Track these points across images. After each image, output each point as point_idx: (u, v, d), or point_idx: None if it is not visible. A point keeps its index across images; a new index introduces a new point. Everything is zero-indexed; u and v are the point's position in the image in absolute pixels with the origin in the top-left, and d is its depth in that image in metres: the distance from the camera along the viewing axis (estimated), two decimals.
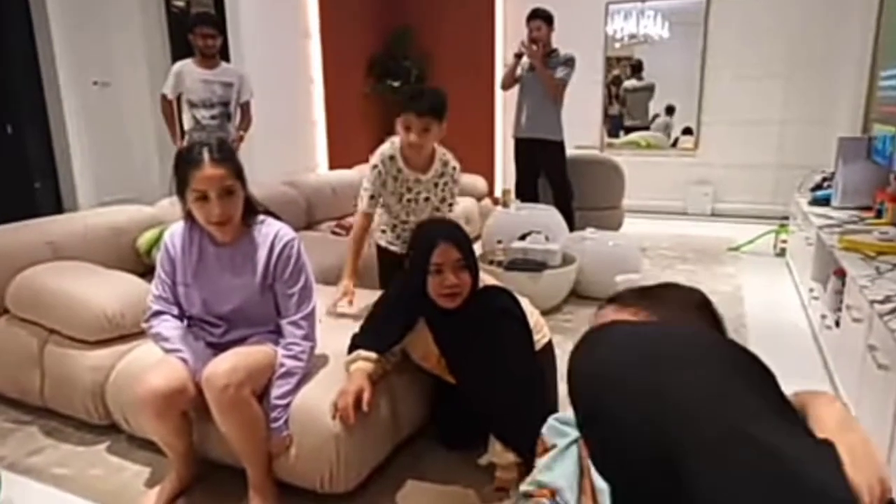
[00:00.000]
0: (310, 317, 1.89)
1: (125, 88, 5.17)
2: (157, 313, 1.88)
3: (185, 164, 1.76)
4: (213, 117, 3.71)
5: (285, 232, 1.91)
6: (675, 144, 6.18)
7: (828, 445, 0.66)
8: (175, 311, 1.90)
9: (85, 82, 4.88)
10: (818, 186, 4.00)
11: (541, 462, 1.05)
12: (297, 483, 1.84)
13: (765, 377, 0.72)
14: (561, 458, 1.02)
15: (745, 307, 3.52)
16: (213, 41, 3.65)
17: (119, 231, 2.81)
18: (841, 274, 2.74)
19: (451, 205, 2.61)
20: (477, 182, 5.44)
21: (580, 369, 0.75)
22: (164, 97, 3.78)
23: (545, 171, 4.43)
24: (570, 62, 4.19)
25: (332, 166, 5.78)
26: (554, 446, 1.06)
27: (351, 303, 2.38)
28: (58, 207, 4.78)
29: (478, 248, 2.83)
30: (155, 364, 1.77)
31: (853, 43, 4.90)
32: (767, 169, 5.84)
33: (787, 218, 4.68)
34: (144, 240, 2.84)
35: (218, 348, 1.86)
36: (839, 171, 3.59)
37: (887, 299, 2.02)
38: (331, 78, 5.78)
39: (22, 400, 2.40)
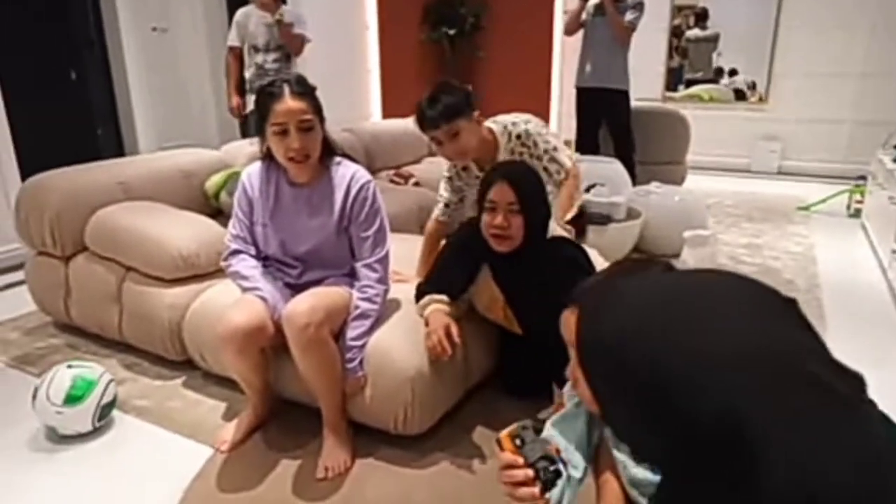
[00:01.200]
0: (384, 260, 1.88)
1: (182, 34, 5.19)
2: (235, 252, 1.90)
3: (265, 98, 1.75)
4: (275, 60, 3.68)
5: (362, 174, 1.88)
6: (739, 98, 5.88)
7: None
8: (252, 250, 1.91)
9: (144, 28, 4.91)
10: None
11: (552, 418, 1.00)
12: (370, 423, 1.87)
13: (801, 314, 0.68)
14: (571, 418, 0.97)
15: (818, 267, 3.38)
16: None
17: (188, 173, 2.84)
18: None
19: (551, 172, 2.27)
20: None
21: (620, 334, 0.69)
22: (231, 49, 3.75)
23: (608, 122, 4.27)
24: (639, 6, 3.97)
25: (385, 116, 5.72)
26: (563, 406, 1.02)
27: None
28: (119, 152, 4.89)
29: None
30: (235, 302, 1.79)
31: None
32: (842, 125, 5.52)
33: (863, 177, 4.43)
34: (212, 183, 2.86)
35: (295, 289, 1.87)
36: None
37: None
38: (386, 25, 5.68)
39: (102, 334, 2.49)
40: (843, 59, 5.40)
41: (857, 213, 4.31)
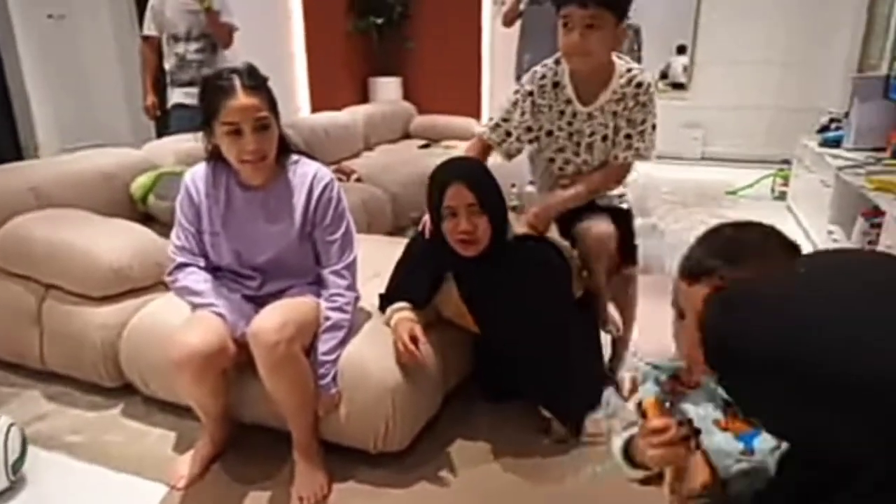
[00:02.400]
0: (352, 266, 1.73)
1: (83, 22, 4.72)
2: (182, 265, 1.69)
3: (212, 93, 1.55)
4: (198, 51, 3.37)
5: (324, 173, 1.72)
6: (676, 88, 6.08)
7: None
8: (201, 262, 1.71)
9: (38, 16, 4.42)
10: (825, 128, 3.95)
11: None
12: (346, 443, 1.71)
13: None
14: (700, 395, 0.93)
15: None
16: None
17: (109, 176, 2.55)
18: (871, 214, 2.70)
19: (635, 149, 1.88)
20: (470, 124, 5.23)
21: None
22: (146, 39, 3.40)
23: None
24: None
25: (314, 109, 5.46)
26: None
27: None
28: (17, 155, 4.40)
29: None
30: (188, 321, 1.59)
31: None
32: (761, 111, 5.78)
33: (785, 161, 4.64)
34: (138, 185, 2.58)
35: (255, 302, 1.69)
36: (853, 111, 3.53)
37: None
38: (311, 14, 5.40)
39: (19, 363, 2.18)
40: (761, 48, 5.64)
41: (781, 196, 4.51)
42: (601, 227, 1.86)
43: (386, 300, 1.81)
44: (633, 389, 1.04)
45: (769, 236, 0.85)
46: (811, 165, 3.73)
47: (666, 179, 5.22)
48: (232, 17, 3.41)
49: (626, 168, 1.93)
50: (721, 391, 0.89)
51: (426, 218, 1.80)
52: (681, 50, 6.09)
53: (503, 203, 1.73)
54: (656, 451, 0.82)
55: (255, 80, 1.57)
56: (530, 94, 1.88)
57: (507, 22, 4.15)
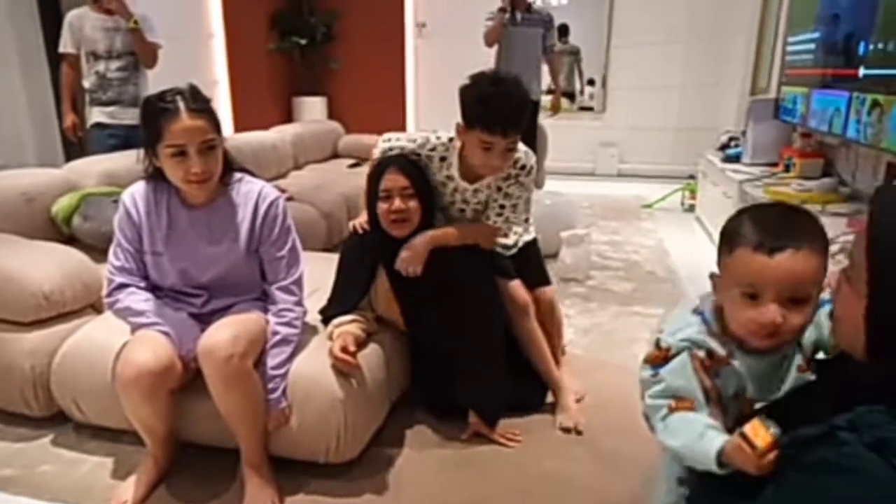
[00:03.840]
0: (300, 281, 1.76)
1: None
2: (122, 286, 1.66)
3: (155, 115, 1.55)
4: (119, 69, 3.29)
5: (269, 190, 1.74)
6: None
7: None
8: (142, 283, 1.68)
9: None
10: (726, 145, 4.31)
11: (667, 368, 1.02)
12: (297, 456, 1.73)
13: None
14: (686, 368, 1.01)
15: (671, 258, 3.75)
16: None
17: (29, 196, 2.44)
18: None
19: (506, 217, 1.94)
20: None
21: None
22: (65, 56, 3.27)
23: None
24: (552, 22, 4.19)
25: (236, 129, 5.39)
26: (669, 349, 1.02)
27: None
28: None
29: None
30: (134, 341, 1.57)
31: (744, 13, 5.27)
32: (668, 131, 6.21)
33: (691, 177, 5.01)
34: (61, 206, 2.48)
35: (200, 320, 1.68)
36: (750, 130, 3.88)
37: (830, 241, 2.21)
38: (233, 34, 5.36)
39: None
40: (662, 74, 6.08)
41: (690, 208, 4.85)
42: (519, 292, 2.01)
43: (328, 309, 1.87)
44: (660, 358, 1.04)
45: (804, 212, 0.98)
46: (715, 179, 4.06)
47: (587, 195, 5.50)
48: (156, 35, 3.35)
49: (495, 231, 1.98)
50: (743, 375, 0.98)
51: (358, 220, 1.95)
52: (590, 82, 6.48)
53: (433, 192, 1.89)
54: (765, 471, 0.81)
55: (200, 102, 1.58)
56: (418, 154, 1.92)
57: (490, 42, 4.22)
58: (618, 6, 6.07)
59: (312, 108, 6.24)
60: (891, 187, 0.76)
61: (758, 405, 0.99)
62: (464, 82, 1.81)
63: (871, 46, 2.53)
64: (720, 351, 0.99)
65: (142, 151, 1.64)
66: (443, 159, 1.92)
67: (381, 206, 1.81)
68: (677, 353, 1.02)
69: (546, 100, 4.44)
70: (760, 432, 0.83)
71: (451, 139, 1.92)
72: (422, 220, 1.84)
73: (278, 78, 6.11)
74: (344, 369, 1.68)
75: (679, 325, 1.05)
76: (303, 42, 5.96)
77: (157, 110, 1.54)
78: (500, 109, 1.71)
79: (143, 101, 1.62)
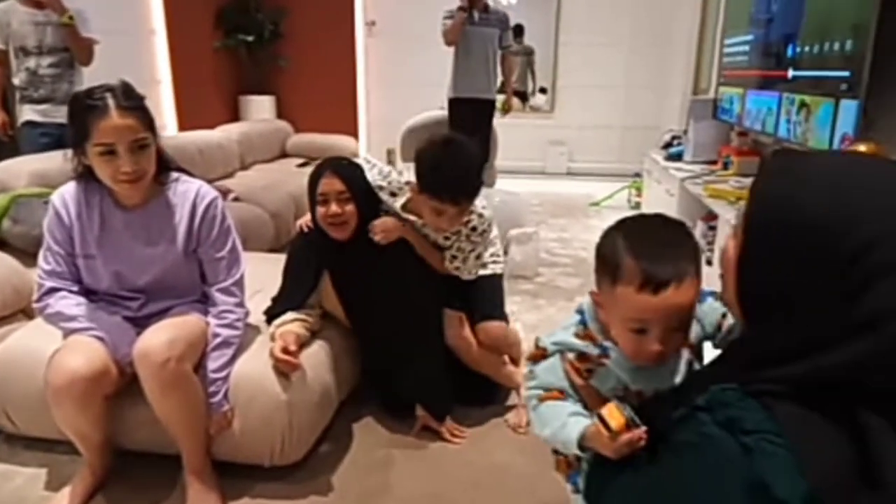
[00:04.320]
0: (241, 282, 1.73)
1: None
2: (52, 290, 1.60)
3: (83, 112, 1.50)
4: (51, 65, 3.15)
5: (206, 190, 1.71)
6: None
7: None
8: (74, 286, 1.63)
9: None
10: (669, 144, 4.43)
11: (541, 366, 1.08)
12: (240, 460, 1.70)
13: None
14: (557, 369, 1.06)
15: None
16: None
17: None
18: (708, 219, 3.09)
19: (455, 266, 1.95)
20: (348, 143, 5.27)
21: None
22: None
23: (479, 130, 4.15)
24: (507, 20, 4.22)
25: (181, 128, 5.25)
26: (545, 350, 1.08)
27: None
28: None
29: None
30: (66, 345, 1.51)
31: (685, 16, 5.44)
32: (613, 130, 6.35)
33: (637, 175, 5.14)
34: None
35: (136, 323, 1.64)
36: (690, 129, 4.00)
37: None
38: (175, 31, 5.21)
39: None
40: (608, 74, 6.22)
41: (637, 206, 4.98)
42: (494, 329, 2.01)
43: (273, 308, 1.87)
44: (538, 356, 1.09)
45: (676, 225, 0.98)
46: (659, 177, 4.17)
47: (536, 193, 5.58)
48: (90, 30, 3.23)
49: (447, 269, 1.97)
50: (620, 372, 1.01)
51: (304, 219, 1.95)
52: (542, 90, 6.58)
53: (372, 195, 1.88)
54: (622, 453, 0.87)
55: (131, 100, 1.54)
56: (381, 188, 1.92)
57: (449, 41, 4.17)
58: (564, 7, 6.17)
59: (260, 107, 6.13)
60: (786, 151, 0.77)
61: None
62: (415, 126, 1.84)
63: (799, 49, 2.65)
64: (592, 352, 1.02)
65: (70, 150, 1.58)
66: (393, 194, 1.91)
67: (319, 210, 1.82)
68: (551, 354, 1.07)
69: (499, 99, 4.47)
70: (615, 414, 0.88)
71: (408, 182, 1.90)
72: (359, 222, 1.83)
73: (224, 76, 5.98)
74: (285, 370, 1.66)
75: (563, 324, 1.09)
76: (249, 39, 5.84)
77: (84, 107, 1.49)
78: (452, 179, 1.71)
79: (71, 97, 1.57)
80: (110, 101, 1.49)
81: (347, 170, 1.86)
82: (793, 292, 0.66)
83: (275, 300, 1.91)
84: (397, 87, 6.31)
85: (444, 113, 4.47)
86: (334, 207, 1.79)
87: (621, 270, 0.91)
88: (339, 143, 5.17)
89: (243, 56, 5.95)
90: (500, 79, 4.41)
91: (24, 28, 3.10)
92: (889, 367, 0.61)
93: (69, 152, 1.59)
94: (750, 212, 0.71)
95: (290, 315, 1.82)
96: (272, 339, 1.75)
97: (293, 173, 4.47)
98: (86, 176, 1.61)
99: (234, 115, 6.13)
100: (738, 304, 0.74)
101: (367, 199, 1.86)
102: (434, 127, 4.46)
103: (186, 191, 1.68)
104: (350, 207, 1.81)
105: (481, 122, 4.28)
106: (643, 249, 0.91)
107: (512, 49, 4.46)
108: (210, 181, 3.76)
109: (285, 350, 1.65)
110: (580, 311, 1.07)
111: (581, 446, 0.95)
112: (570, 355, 1.05)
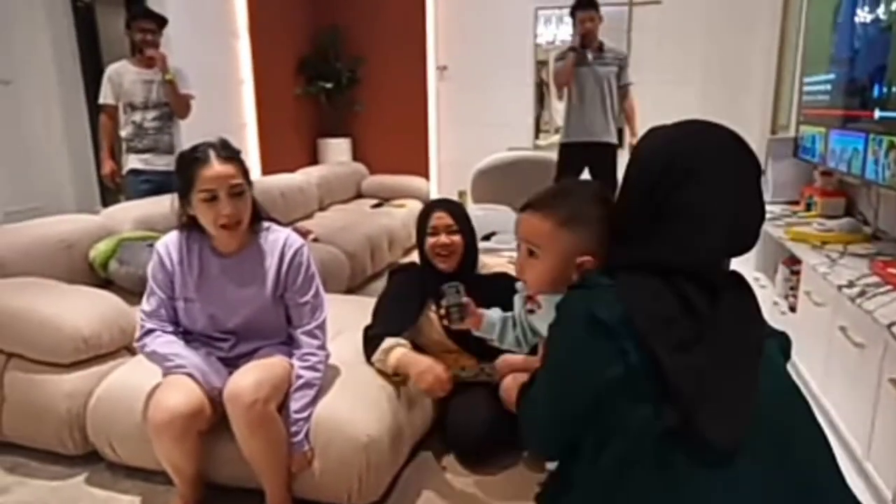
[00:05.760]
0: (323, 325, 1.82)
1: (30, 88, 4.71)
2: (150, 331, 1.74)
3: (188, 165, 1.66)
4: (155, 118, 3.45)
5: (294, 239, 1.83)
6: None
7: None
8: (170, 328, 1.76)
9: None
10: None
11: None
12: (320, 499, 1.77)
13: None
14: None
15: None
16: (152, 37, 3.40)
17: (68, 243, 2.57)
18: (790, 263, 2.98)
19: None
20: (420, 184, 5.43)
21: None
22: (104, 107, 3.44)
23: (596, 176, 4.09)
24: (626, 59, 4.17)
25: (264, 171, 5.56)
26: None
27: None
28: None
29: None
30: (165, 384, 1.64)
31: (758, 56, 5.34)
32: None
33: None
34: (98, 252, 2.60)
35: (227, 363, 1.75)
36: (769, 168, 3.89)
37: (851, 283, 2.21)
38: (261, 79, 5.57)
39: None
40: (680, 112, 6.05)
41: None
42: None
43: (373, 327, 2.00)
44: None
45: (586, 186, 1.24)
46: None
47: None
48: (188, 86, 3.52)
49: None
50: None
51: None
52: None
53: (474, 233, 2.14)
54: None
55: (229, 151, 1.70)
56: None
57: (560, 83, 4.14)
58: (634, 46, 6.17)
59: (337, 149, 6.41)
60: (657, 128, 1.08)
61: None
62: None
63: (886, 89, 2.56)
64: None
65: (175, 197, 1.74)
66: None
67: (429, 241, 2.04)
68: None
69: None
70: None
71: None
72: (465, 254, 2.05)
73: (304, 120, 6.31)
74: (440, 392, 1.81)
75: None
76: (329, 86, 6.16)
77: (189, 161, 1.65)
78: None
79: (178, 155, 1.73)
80: (211, 153, 1.65)
81: (456, 208, 2.12)
82: (632, 208, 0.98)
83: (374, 320, 2.04)
84: (467, 130, 6.45)
85: (514, 154, 4.53)
86: (443, 239, 2.02)
87: None
88: (411, 184, 5.33)
89: (322, 101, 6.27)
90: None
91: (134, 86, 3.42)
92: (677, 251, 0.91)
93: (175, 199, 1.74)
94: (629, 161, 1.04)
95: (398, 339, 1.92)
96: (382, 361, 1.88)
97: (368, 214, 4.64)
98: (188, 226, 1.76)
99: (313, 157, 6.44)
100: (615, 223, 1.04)
101: (471, 233, 2.10)
102: (505, 169, 4.55)
103: (276, 239, 1.80)
104: (458, 239, 2.04)
105: (601, 167, 4.11)
106: (548, 189, 1.23)
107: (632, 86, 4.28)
108: (290, 222, 3.99)
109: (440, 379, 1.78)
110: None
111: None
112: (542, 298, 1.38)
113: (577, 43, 3.98)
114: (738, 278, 0.97)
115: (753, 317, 0.95)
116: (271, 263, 1.77)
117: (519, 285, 1.45)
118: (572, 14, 4.04)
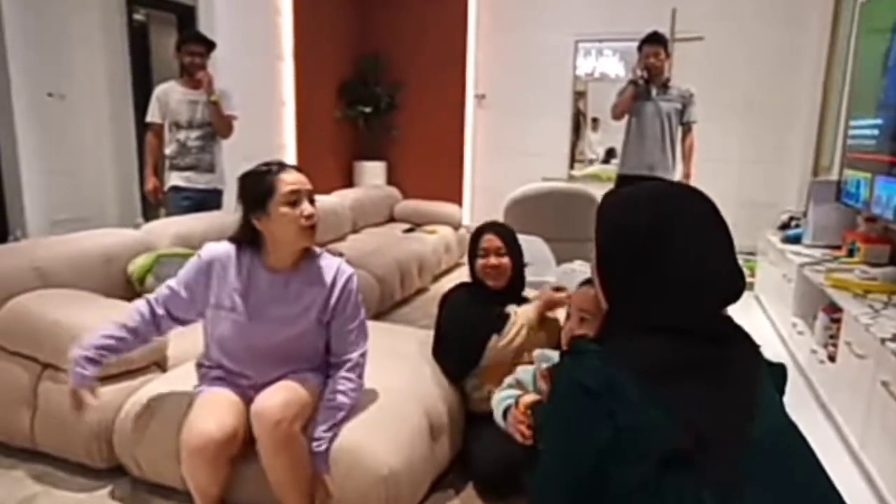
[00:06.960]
0: (365, 355, 1.83)
1: (82, 102, 4.89)
2: (152, 311, 1.79)
3: (262, 176, 1.71)
4: (198, 137, 3.55)
5: (346, 267, 1.86)
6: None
7: None
8: (161, 310, 1.78)
9: (39, 93, 4.59)
10: (786, 225, 4.22)
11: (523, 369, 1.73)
12: None
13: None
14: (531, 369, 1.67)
15: None
16: (200, 59, 3.52)
17: (109, 257, 2.64)
18: (831, 311, 2.89)
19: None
20: (453, 210, 5.45)
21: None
22: (151, 126, 3.56)
23: None
24: (691, 98, 4.11)
25: None
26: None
27: None
28: (2, 226, 4.44)
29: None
30: (203, 405, 1.66)
31: (802, 94, 5.26)
32: (727, 206, 6.05)
33: (751, 253, 4.91)
34: (137, 266, 2.67)
35: (256, 389, 1.75)
36: (811, 211, 3.80)
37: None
38: (302, 101, 5.70)
39: (7, 442, 2.18)
40: (720, 148, 6.05)
41: (750, 286, 4.73)
42: None
43: (449, 361, 2.14)
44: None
45: None
46: (774, 259, 3.97)
47: None
48: (233, 107, 3.61)
49: None
50: None
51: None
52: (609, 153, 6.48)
53: (522, 255, 2.26)
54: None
55: (295, 167, 1.78)
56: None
57: (617, 115, 4.17)
58: (675, 80, 6.12)
59: (372, 173, 6.50)
60: (612, 192, 1.11)
61: None
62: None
63: None
64: None
65: (239, 212, 1.77)
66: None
67: (479, 262, 2.18)
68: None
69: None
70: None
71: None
72: (513, 274, 2.19)
73: (342, 143, 6.41)
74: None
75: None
76: (367, 110, 6.26)
77: (259, 176, 1.70)
78: None
79: (241, 177, 1.77)
80: (279, 166, 1.73)
81: (506, 231, 2.25)
82: (626, 274, 0.95)
83: (449, 351, 2.14)
84: (502, 158, 6.47)
85: (548, 186, 4.52)
86: (493, 260, 2.16)
87: None
88: (443, 210, 5.35)
89: (360, 125, 6.37)
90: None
91: (179, 106, 3.53)
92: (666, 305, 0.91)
93: (238, 211, 1.77)
94: (599, 228, 1.00)
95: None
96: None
97: (399, 238, 4.67)
98: (240, 240, 1.79)
99: (348, 178, 6.53)
100: (602, 291, 0.99)
101: (520, 256, 2.24)
102: (539, 199, 4.54)
103: (329, 265, 1.82)
104: (506, 260, 2.18)
105: None
106: None
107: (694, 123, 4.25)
108: (323, 244, 4.03)
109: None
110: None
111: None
112: (544, 365, 1.57)
113: (637, 76, 3.99)
114: (733, 324, 0.98)
115: (748, 364, 0.95)
116: (322, 289, 1.78)
117: (536, 354, 1.65)
118: (640, 48, 4.05)
